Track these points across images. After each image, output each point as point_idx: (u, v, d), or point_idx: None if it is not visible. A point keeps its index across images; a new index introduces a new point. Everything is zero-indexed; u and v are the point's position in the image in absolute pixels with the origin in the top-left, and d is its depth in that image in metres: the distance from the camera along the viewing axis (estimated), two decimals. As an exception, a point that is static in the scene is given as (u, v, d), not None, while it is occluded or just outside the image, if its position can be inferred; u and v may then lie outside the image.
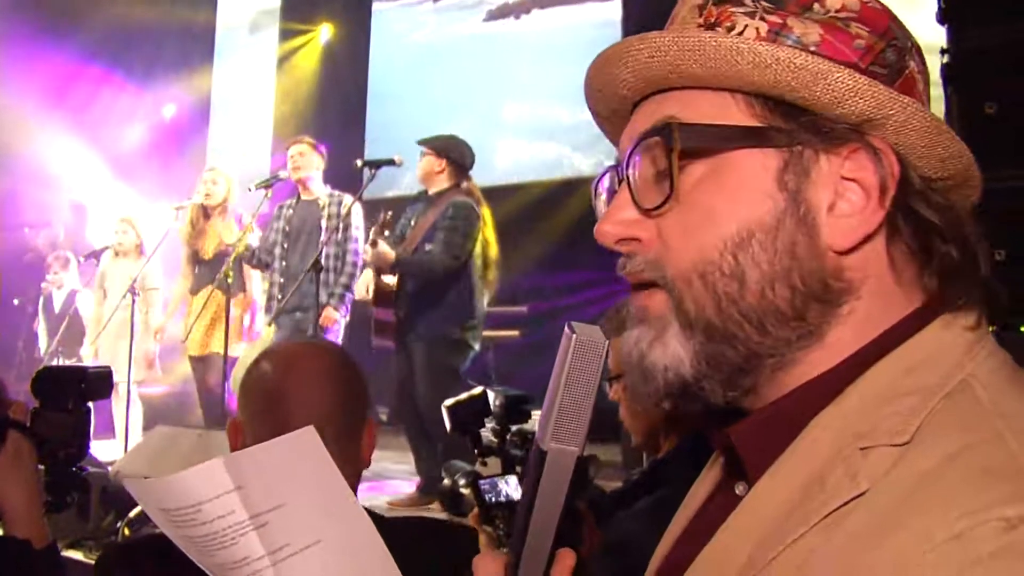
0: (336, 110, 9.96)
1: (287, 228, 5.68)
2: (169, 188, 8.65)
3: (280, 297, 5.53)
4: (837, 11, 0.71)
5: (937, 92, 3.15)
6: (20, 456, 1.54)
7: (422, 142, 5.30)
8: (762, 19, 0.71)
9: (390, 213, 5.08)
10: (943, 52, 3.06)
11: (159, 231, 6.70)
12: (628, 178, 0.75)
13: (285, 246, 5.66)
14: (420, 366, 5.02)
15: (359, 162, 5.83)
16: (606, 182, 0.81)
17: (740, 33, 0.71)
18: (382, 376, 5.20)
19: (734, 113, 0.71)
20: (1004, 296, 0.74)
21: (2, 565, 1.47)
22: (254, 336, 6.24)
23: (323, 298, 5.34)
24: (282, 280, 5.61)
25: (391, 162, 5.24)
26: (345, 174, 6.53)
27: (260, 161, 10.30)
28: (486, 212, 5.16)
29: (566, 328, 0.69)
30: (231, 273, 5.80)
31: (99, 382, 1.79)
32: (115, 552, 1.47)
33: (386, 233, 5.01)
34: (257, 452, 1.01)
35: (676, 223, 0.72)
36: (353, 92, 9.89)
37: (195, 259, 6.28)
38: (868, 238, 0.70)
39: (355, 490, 1.45)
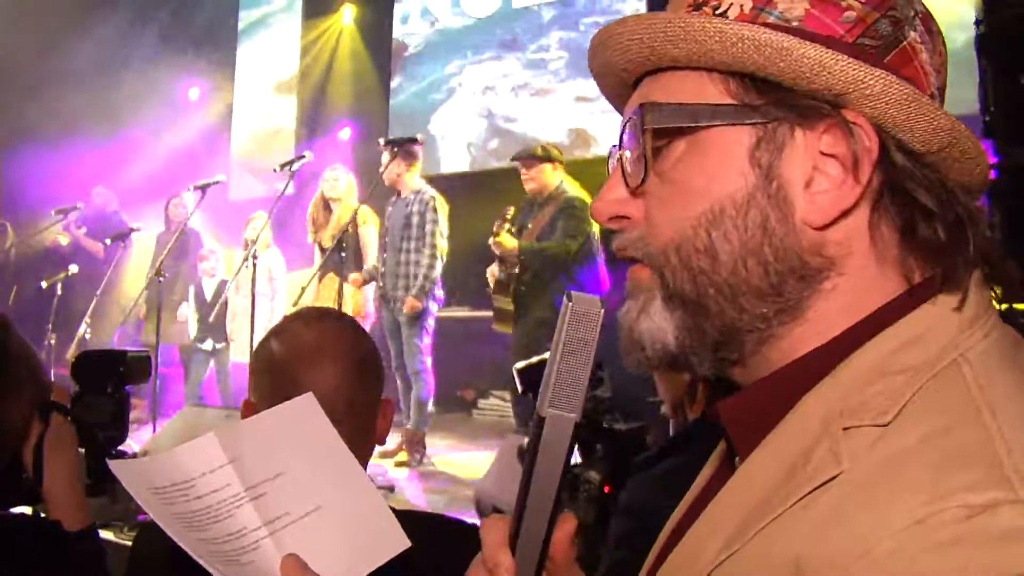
0: (360, 90, 9.96)
1: (387, 225, 6.08)
2: (194, 169, 8.69)
3: (382, 286, 6.04)
4: None
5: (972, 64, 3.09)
6: (63, 439, 1.54)
7: (515, 158, 5.62)
8: None
9: (512, 208, 5.38)
10: (977, 23, 2.99)
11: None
12: (620, 158, 0.76)
13: (387, 239, 6.06)
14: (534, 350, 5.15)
15: (381, 141, 5.87)
16: (612, 161, 0.81)
17: (724, 12, 0.71)
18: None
19: (710, 92, 0.71)
20: (1015, 273, 0.72)
21: (41, 548, 1.46)
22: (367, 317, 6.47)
23: (408, 287, 5.72)
24: (383, 272, 6.04)
25: (414, 140, 5.24)
26: (370, 154, 6.53)
27: (285, 141, 10.34)
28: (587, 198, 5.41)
29: (565, 297, 0.71)
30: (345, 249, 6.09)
31: (138, 366, 1.79)
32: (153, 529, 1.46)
33: (507, 226, 5.31)
34: (254, 423, 1.00)
35: (658, 200, 0.74)
36: (377, 72, 9.87)
37: (320, 249, 6.56)
38: (847, 213, 0.69)
39: (364, 466, 1.42)
